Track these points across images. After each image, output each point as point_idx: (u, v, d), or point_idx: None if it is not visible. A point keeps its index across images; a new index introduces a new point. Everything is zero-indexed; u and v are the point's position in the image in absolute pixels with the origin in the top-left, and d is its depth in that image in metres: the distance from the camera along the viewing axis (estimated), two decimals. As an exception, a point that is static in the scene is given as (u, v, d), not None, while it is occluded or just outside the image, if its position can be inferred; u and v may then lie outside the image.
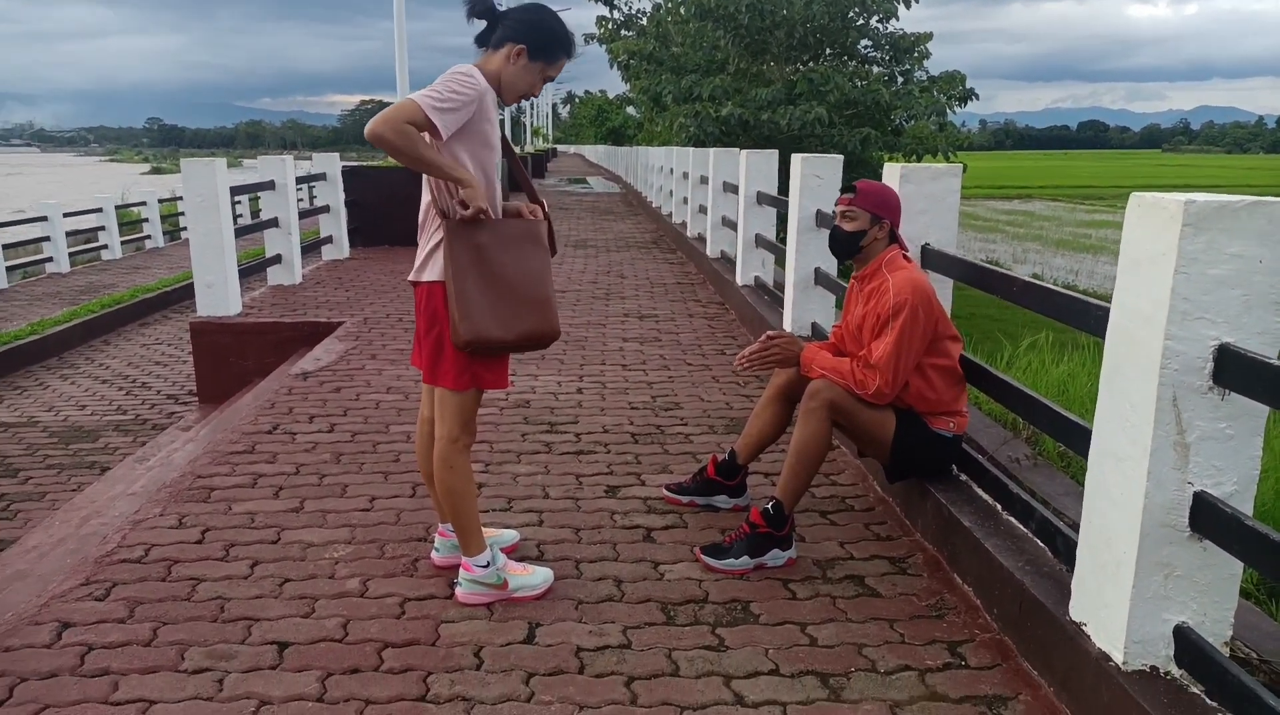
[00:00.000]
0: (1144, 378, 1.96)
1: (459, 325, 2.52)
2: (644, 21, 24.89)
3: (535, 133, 46.80)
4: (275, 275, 8.45)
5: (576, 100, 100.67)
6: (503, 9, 2.66)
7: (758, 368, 3.25)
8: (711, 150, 8.91)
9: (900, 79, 19.87)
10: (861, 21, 19.99)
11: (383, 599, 2.79)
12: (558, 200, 21.71)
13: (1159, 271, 1.91)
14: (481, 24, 2.65)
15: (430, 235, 2.64)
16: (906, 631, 2.63)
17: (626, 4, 24.90)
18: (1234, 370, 1.87)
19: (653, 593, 2.84)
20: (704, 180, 9.48)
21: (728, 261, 8.23)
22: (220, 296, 6.87)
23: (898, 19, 19.83)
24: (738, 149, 8.26)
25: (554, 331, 2.67)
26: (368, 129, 2.39)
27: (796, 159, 5.22)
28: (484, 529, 2.93)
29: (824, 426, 3.01)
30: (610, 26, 25.08)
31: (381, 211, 11.14)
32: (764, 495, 3.54)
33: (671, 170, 12.92)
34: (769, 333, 3.28)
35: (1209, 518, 1.94)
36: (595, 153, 53.91)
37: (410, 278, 2.70)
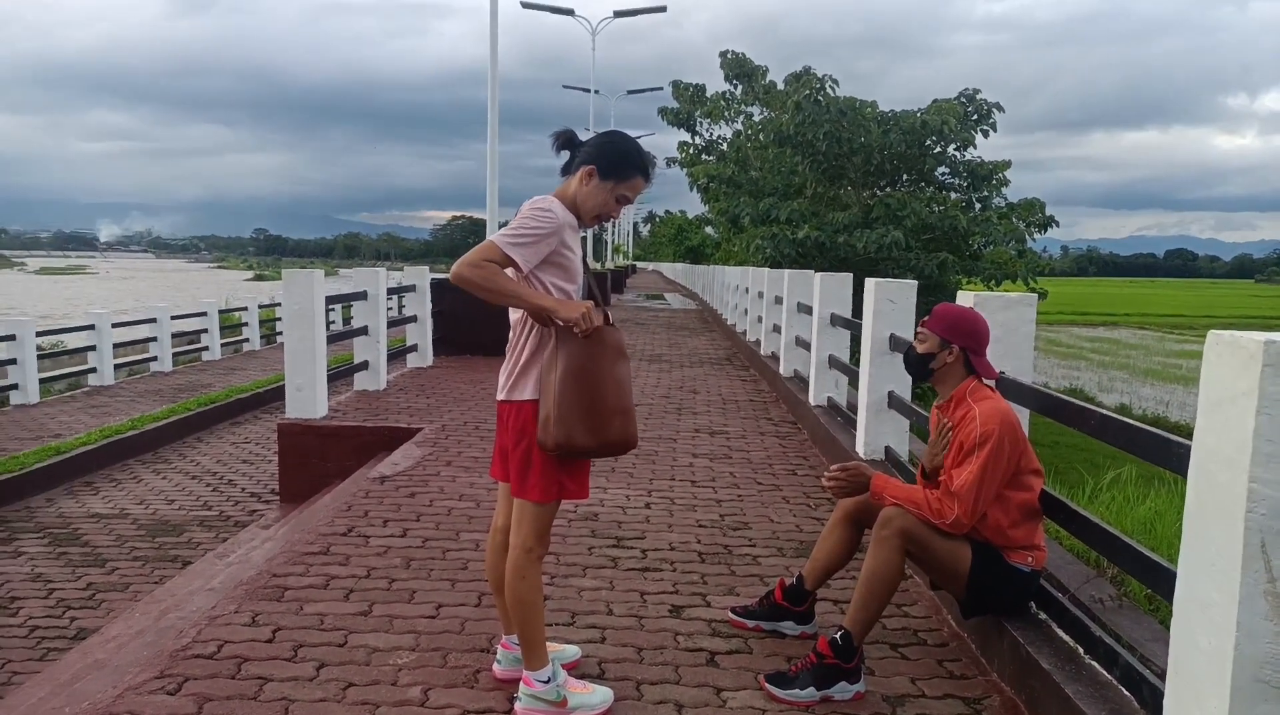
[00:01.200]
0: (1229, 521, 1.89)
1: (552, 427, 2.59)
2: (724, 147, 25.79)
3: (616, 249, 48.20)
4: (361, 381, 8.76)
5: (657, 219, 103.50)
6: (572, 135, 2.82)
7: (833, 491, 3.23)
8: (786, 271, 9.07)
9: (978, 205, 19.99)
10: (938, 150, 20.35)
11: (442, 709, 2.78)
12: (634, 315, 22.12)
13: (1241, 412, 1.87)
14: (566, 156, 2.83)
15: (520, 355, 2.74)
16: (981, 779, 2.50)
17: (708, 130, 25.92)
18: (1326, 517, 1.80)
19: (714, 720, 2.77)
20: (778, 300, 9.60)
21: (801, 381, 8.24)
22: (309, 399, 7.15)
23: (975, 147, 20.13)
24: (812, 271, 8.44)
25: (633, 441, 2.73)
26: (452, 272, 2.57)
27: (870, 283, 5.28)
28: (547, 644, 2.93)
29: (897, 556, 2.95)
30: (691, 151, 26.05)
31: (466, 322, 11.53)
32: (832, 623, 3.46)
33: (747, 289, 13.11)
34: (835, 465, 3.27)
35: (1306, 674, 1.83)
36: (673, 270, 55.02)
37: (501, 397, 2.79)
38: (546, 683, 2.73)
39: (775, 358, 9.86)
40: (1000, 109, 20.44)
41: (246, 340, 20.17)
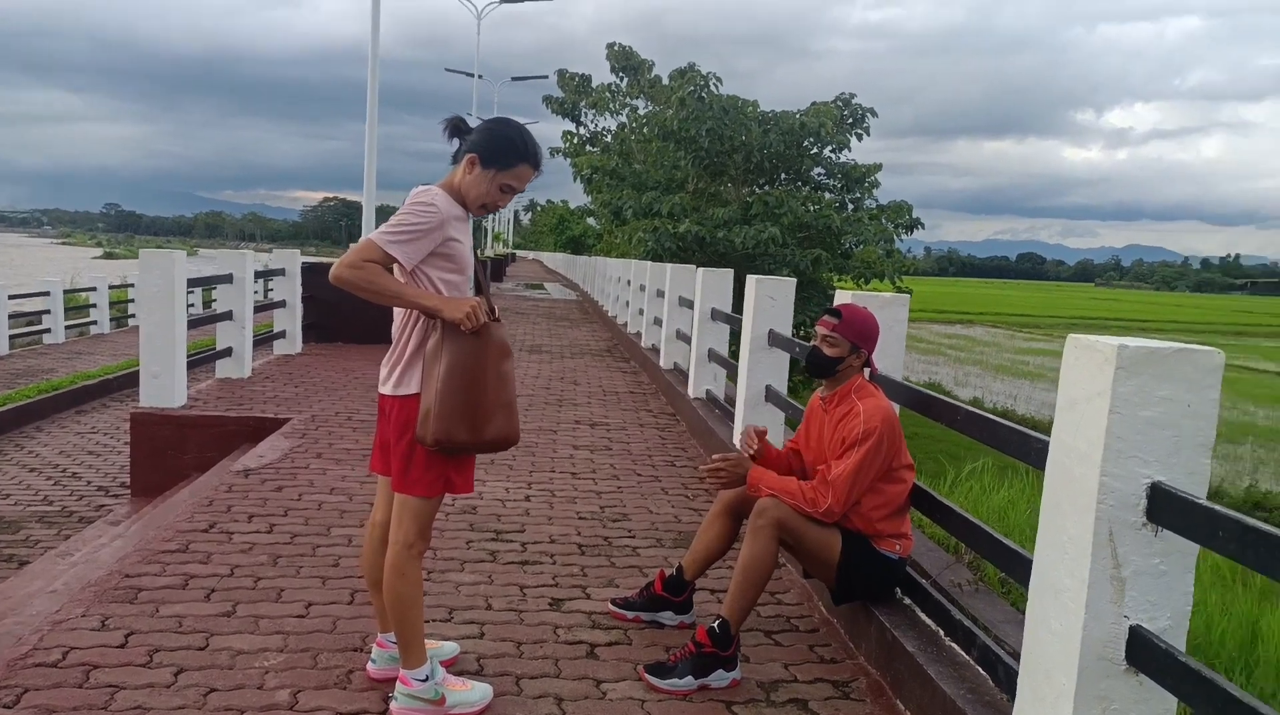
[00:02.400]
0: (1082, 512, 2.02)
1: (432, 423, 2.53)
2: (608, 139, 25.82)
3: (496, 237, 47.48)
4: (224, 368, 8.33)
5: (539, 208, 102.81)
6: (460, 124, 2.75)
7: (711, 484, 3.28)
8: (669, 266, 9.16)
9: (851, 206, 20.72)
10: (815, 150, 20.97)
11: (312, 712, 2.68)
12: (515, 304, 21.89)
13: (1095, 411, 2.00)
14: (457, 143, 2.75)
15: (405, 347, 2.65)
16: (850, 761, 2.59)
17: (593, 122, 25.89)
18: (1165, 508, 1.94)
19: (594, 712, 2.78)
20: (660, 294, 9.69)
21: (680, 373, 8.34)
22: (166, 387, 6.75)
23: (849, 150, 20.85)
24: (694, 266, 8.64)
25: (515, 437, 2.70)
26: (332, 274, 2.50)
27: (752, 280, 5.38)
28: (424, 641, 2.86)
29: (771, 545, 3.03)
30: (575, 142, 25.97)
31: (337, 309, 11.12)
32: (710, 612, 3.52)
33: (629, 282, 13.17)
34: (716, 455, 3.32)
35: (1144, 652, 1.98)
36: (554, 260, 54.76)
37: (384, 390, 2.70)
38: (424, 681, 2.67)
39: (656, 350, 9.94)
40: (874, 114, 21.22)
41: (94, 322, 18.87)
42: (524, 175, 2.70)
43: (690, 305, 8.48)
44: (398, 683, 2.69)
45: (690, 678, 2.93)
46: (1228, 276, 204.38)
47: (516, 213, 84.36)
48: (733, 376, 6.58)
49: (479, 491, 5.04)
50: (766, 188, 21.05)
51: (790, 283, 5.36)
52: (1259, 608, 3.57)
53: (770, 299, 5.27)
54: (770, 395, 5.29)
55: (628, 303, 13.41)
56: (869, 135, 21.59)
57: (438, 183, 2.72)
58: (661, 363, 8.88)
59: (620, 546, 4.31)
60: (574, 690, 2.91)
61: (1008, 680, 2.50)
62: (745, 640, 3.29)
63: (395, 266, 2.59)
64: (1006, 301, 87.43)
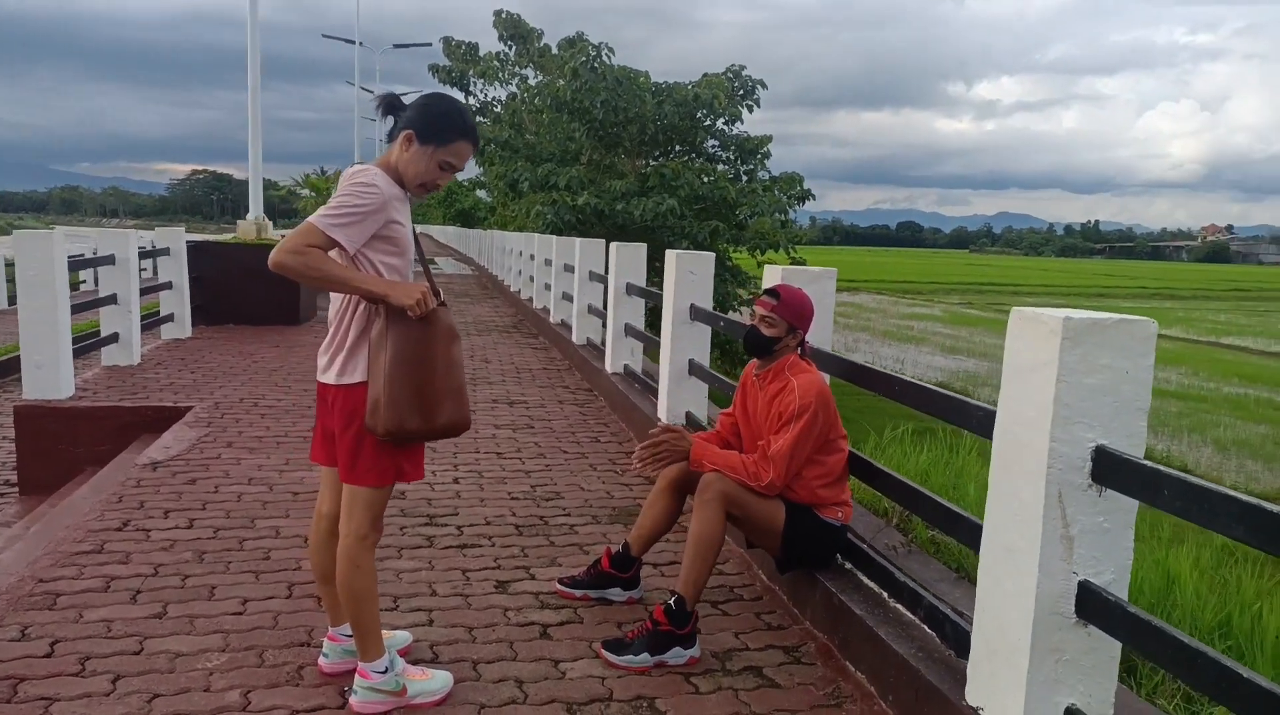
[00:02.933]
0: (1032, 476, 2.15)
1: (383, 413, 2.47)
2: (499, 109, 25.38)
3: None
4: (110, 355, 7.88)
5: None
6: (394, 101, 2.67)
7: (651, 468, 3.31)
8: (578, 240, 9.10)
9: (745, 177, 21.00)
10: (708, 123, 21.12)
11: (268, 712, 2.60)
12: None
13: (1042, 379, 2.12)
14: (390, 122, 2.67)
15: (346, 334, 2.57)
16: (809, 722, 2.69)
17: (482, 91, 25.39)
18: (1109, 469, 2.08)
19: (556, 693, 2.79)
20: (568, 268, 9.64)
21: (595, 348, 8.34)
22: (50, 378, 6.34)
23: (742, 122, 21.08)
24: (604, 239, 8.72)
25: (466, 422, 2.66)
26: (271, 260, 2.39)
27: (671, 255, 5.42)
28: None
29: (719, 518, 3.09)
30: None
31: (226, 289, 10.67)
32: (654, 586, 3.58)
33: (533, 256, 13.04)
34: (655, 428, 3.36)
35: (1093, 604, 2.12)
36: (444, 233, 53.68)
37: (325, 379, 2.61)
38: (384, 672, 2.63)
39: (566, 325, 9.91)
40: (764, 86, 21.49)
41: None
42: (463, 152, 2.63)
43: (602, 279, 8.49)
44: (356, 676, 2.64)
45: (646, 654, 2.97)
46: (1088, 241, 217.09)
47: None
48: (650, 351, 6.64)
49: (429, 482, 4.95)
50: (661, 159, 21.11)
51: (709, 257, 5.43)
52: (1169, 554, 3.86)
53: (690, 273, 5.33)
54: (694, 369, 5.36)
55: (531, 277, 13.28)
56: (759, 107, 21.90)
57: (374, 161, 2.64)
58: (574, 338, 8.86)
59: (557, 525, 4.32)
60: (533, 672, 2.91)
61: (955, 637, 2.64)
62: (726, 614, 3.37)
63: (336, 250, 2.50)
64: (888, 269, 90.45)
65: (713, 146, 21.36)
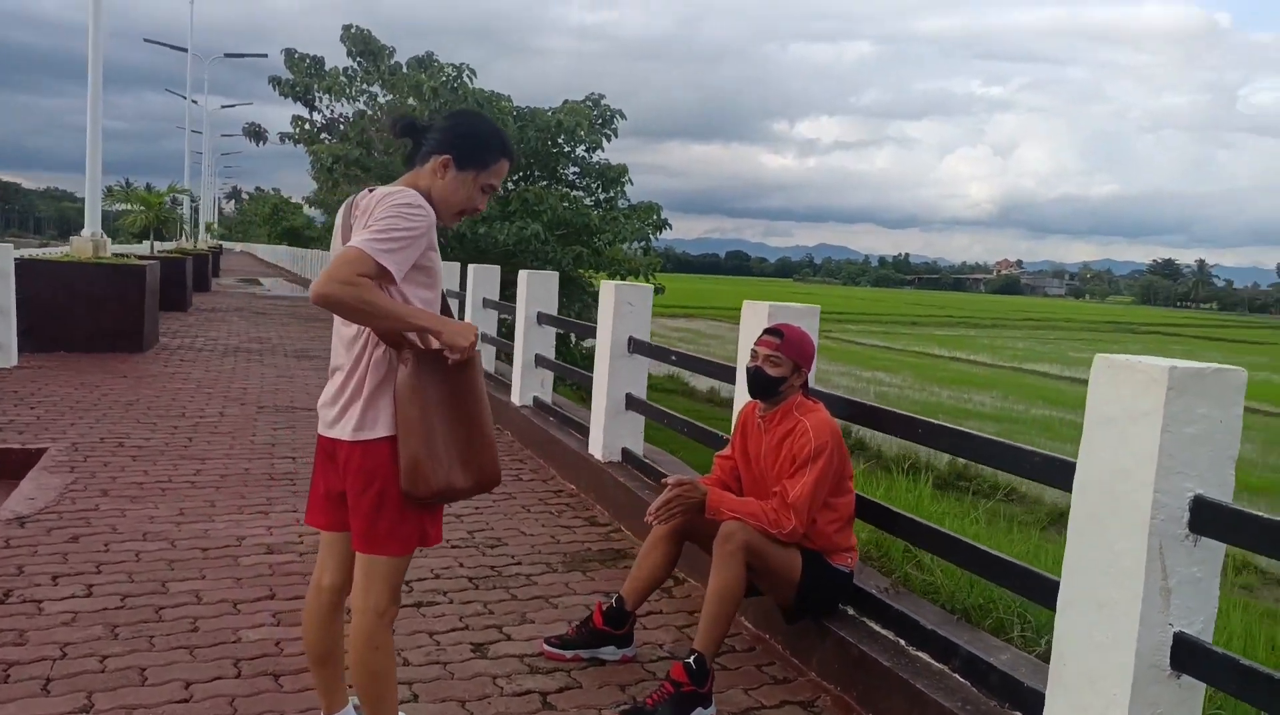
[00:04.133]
0: (1132, 528, 2.10)
1: (427, 473, 2.15)
2: (343, 127, 24.32)
3: (207, 227, 43.02)
4: (-73, 387, 6.81)
5: (245, 196, 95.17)
6: (415, 121, 2.38)
7: (666, 519, 3.09)
8: (473, 266, 8.86)
9: (605, 205, 21.04)
10: (568, 149, 21.04)
11: (264, 827, 2.20)
12: (248, 303, 20.10)
13: (1144, 429, 2.08)
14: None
15: (363, 381, 2.22)
16: (860, 787, 2.55)
17: (329, 108, 24.25)
18: (1207, 518, 2.06)
19: (585, 774, 2.52)
20: (453, 295, 9.22)
21: (494, 380, 7.98)
22: None
23: (603, 150, 21.14)
24: (460, 263, 9.04)
25: (499, 474, 2.37)
26: (315, 292, 2.05)
27: (609, 286, 5.23)
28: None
29: (742, 570, 2.92)
30: (309, 128, 24.20)
31: (57, 312, 9.54)
32: (648, 641, 3.36)
33: None
34: (669, 479, 3.15)
35: (1188, 655, 2.09)
36: (273, 253, 50.98)
37: (336, 434, 2.25)
38: (405, 767, 2.28)
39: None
40: (623, 117, 21.65)
41: None
42: (503, 171, 2.38)
43: (495, 306, 8.19)
44: (371, 772, 2.28)
45: (671, 720, 2.75)
46: (899, 272, 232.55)
47: (218, 199, 76.99)
48: (562, 380, 6.39)
49: (305, 531, 4.48)
50: (523, 184, 20.82)
51: (648, 289, 5.28)
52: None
53: (629, 305, 5.15)
54: (632, 403, 5.17)
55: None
56: (617, 136, 22.04)
57: (397, 183, 2.32)
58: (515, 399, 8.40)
59: (513, 576, 4.00)
60: (550, 750, 2.63)
61: (1005, 689, 2.57)
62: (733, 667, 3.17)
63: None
64: (721, 296, 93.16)
65: (573, 173, 21.29)
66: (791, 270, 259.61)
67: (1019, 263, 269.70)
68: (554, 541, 4.50)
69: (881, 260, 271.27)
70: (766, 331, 3.20)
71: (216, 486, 5.02)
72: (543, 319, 6.65)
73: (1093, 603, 2.20)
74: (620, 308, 5.13)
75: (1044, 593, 2.51)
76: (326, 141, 24.13)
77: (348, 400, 2.25)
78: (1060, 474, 2.41)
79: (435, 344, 2.18)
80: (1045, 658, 3.15)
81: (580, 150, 21.15)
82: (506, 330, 8.17)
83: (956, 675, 2.78)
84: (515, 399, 6.82)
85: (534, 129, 19.72)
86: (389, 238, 2.08)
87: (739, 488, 3.28)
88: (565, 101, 20.93)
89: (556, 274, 6.84)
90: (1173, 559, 2.09)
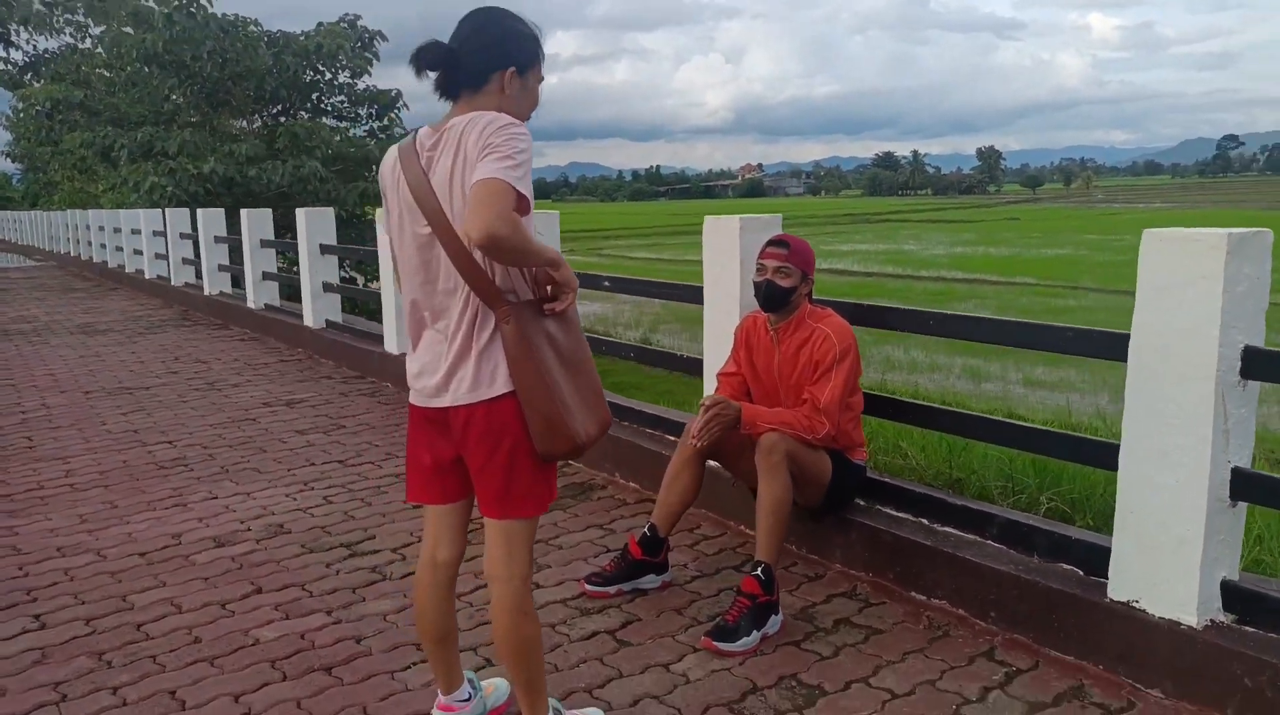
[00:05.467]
0: (1195, 381, 2.36)
1: (566, 429, 2.02)
2: (55, 66, 21.21)
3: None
4: None
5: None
6: (446, 45, 2.09)
7: (707, 439, 3.08)
8: (245, 212, 8.97)
9: (382, 134, 19.85)
10: (330, 76, 19.52)
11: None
12: (-26, 279, 17.39)
13: (1203, 291, 2.32)
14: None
15: (471, 338, 2.02)
16: (943, 655, 2.74)
17: (30, 43, 21.01)
18: (1255, 364, 2.36)
19: (703, 698, 2.54)
20: (218, 240, 9.46)
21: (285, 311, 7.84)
22: None
23: (369, 75, 19.82)
24: (239, 208, 9.37)
25: (610, 416, 2.26)
26: (484, 233, 1.80)
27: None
28: (485, 682, 2.39)
29: (789, 478, 2.98)
30: (9, 68, 20.90)
31: None
32: (677, 562, 3.38)
33: (171, 233, 11.46)
34: (705, 400, 3.14)
35: (1244, 484, 2.41)
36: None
37: (447, 401, 2.04)
38: (562, 729, 2.19)
39: (279, 310, 8.78)
40: (384, 38, 20.30)
41: None
42: (541, 65, 2.17)
43: (272, 245, 9.07)
44: (528, 744, 2.17)
45: (755, 632, 2.81)
46: (652, 185, 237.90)
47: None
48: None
49: (268, 508, 4.09)
50: (284, 119, 19.15)
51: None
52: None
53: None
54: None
55: (172, 257, 11.57)
56: (379, 60, 20.71)
57: (468, 110, 2.06)
58: (310, 323, 7.83)
59: (497, 525, 3.85)
60: (656, 683, 2.61)
61: (1051, 547, 2.84)
62: (724, 583, 3.25)
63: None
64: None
65: (340, 102, 19.82)
66: (549, 191, 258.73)
67: (759, 166, 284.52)
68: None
69: (634, 174, 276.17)
70: (770, 243, 3.21)
71: (104, 486, 4.41)
72: (325, 249, 6.66)
73: (1156, 452, 2.47)
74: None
75: (1098, 454, 2.78)
76: (33, 84, 20.99)
77: (453, 362, 2.04)
78: (1098, 344, 2.64)
79: (549, 287, 2.04)
80: (1058, 516, 3.51)
81: (344, 77, 19.72)
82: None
83: (992, 542, 3.03)
84: (309, 322, 6.91)
85: (290, 55, 18.11)
86: (519, 164, 1.88)
87: (750, 401, 3.33)
88: (319, 24, 19.33)
89: (332, 209, 6.78)
90: (1231, 403, 2.38)
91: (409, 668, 2.70)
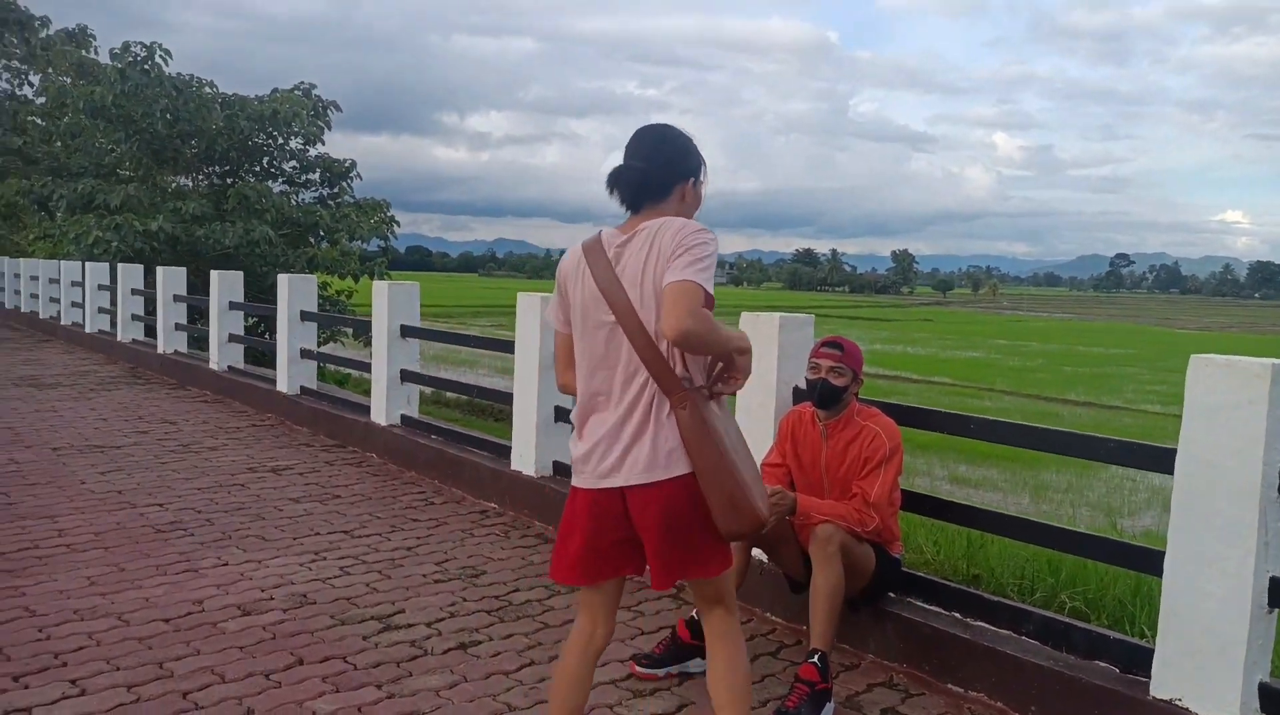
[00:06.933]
0: (1242, 496, 2.59)
1: (749, 509, 2.18)
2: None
3: None
4: None
5: None
6: (639, 166, 2.26)
7: (767, 526, 3.20)
8: (216, 272, 9.16)
9: (332, 202, 19.76)
10: (282, 141, 19.44)
11: None
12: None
13: (1249, 415, 2.58)
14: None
15: (648, 421, 2.17)
16: (995, 748, 2.86)
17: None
18: (1290, 481, 2.62)
19: (780, 784, 2.60)
20: (177, 299, 10.07)
21: (319, 397, 7.39)
22: None
23: (323, 143, 19.82)
24: (239, 272, 9.38)
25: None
26: (675, 330, 2.01)
27: (524, 297, 5.17)
28: None
29: (842, 566, 3.12)
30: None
31: None
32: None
33: (122, 288, 11.26)
34: (770, 489, 3.27)
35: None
36: None
37: (622, 481, 2.17)
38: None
39: (244, 373, 8.58)
40: (338, 108, 20.37)
41: None
42: None
43: (242, 308, 9.10)
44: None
45: (814, 718, 2.90)
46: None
47: None
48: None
49: (285, 577, 4.01)
50: (231, 180, 18.92)
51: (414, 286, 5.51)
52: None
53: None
54: (560, 416, 5.12)
55: (135, 316, 11.23)
56: (330, 129, 20.76)
57: (650, 218, 2.21)
58: (284, 389, 7.68)
59: (523, 605, 3.84)
60: (729, 769, 2.66)
61: (1089, 646, 3.01)
62: (770, 667, 3.33)
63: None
64: (427, 294, 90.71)
65: (293, 168, 19.70)
66: (476, 265, 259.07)
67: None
68: (528, 565, 4.37)
69: (562, 253, 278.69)
70: (824, 344, 3.41)
71: (103, 548, 4.25)
72: (407, 332, 6.32)
73: (1201, 561, 2.68)
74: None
75: (1141, 560, 2.99)
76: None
77: (628, 442, 2.18)
78: (1140, 457, 2.88)
79: (725, 374, 2.20)
80: (1075, 614, 3.70)
81: (296, 143, 19.66)
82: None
83: (1033, 640, 3.19)
84: (382, 420, 6.38)
85: (245, 119, 18.04)
86: (706, 267, 2.10)
87: (794, 492, 3.47)
88: (274, 90, 19.34)
89: (417, 285, 6.53)
90: (1271, 517, 2.62)
91: (481, 748, 2.69)
